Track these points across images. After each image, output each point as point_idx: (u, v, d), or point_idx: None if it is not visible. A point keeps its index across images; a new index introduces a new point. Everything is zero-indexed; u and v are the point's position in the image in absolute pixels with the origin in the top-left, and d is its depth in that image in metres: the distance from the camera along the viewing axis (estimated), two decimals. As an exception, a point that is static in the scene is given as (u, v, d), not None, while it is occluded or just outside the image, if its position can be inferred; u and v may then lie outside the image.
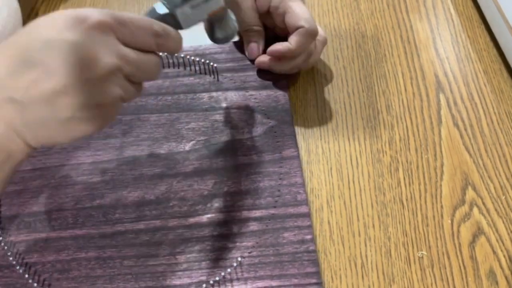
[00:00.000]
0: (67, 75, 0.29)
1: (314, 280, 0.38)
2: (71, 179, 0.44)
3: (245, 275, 0.39)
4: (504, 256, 0.40)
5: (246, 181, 0.43)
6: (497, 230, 0.41)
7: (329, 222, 0.42)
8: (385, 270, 0.40)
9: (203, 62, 0.51)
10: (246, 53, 0.51)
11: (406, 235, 0.41)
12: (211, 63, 0.50)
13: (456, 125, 0.48)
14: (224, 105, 0.48)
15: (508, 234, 0.41)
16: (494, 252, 0.40)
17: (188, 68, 0.51)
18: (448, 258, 0.40)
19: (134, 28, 0.33)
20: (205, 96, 0.49)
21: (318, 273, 0.38)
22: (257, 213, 0.42)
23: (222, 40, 0.43)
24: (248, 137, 0.46)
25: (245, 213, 0.42)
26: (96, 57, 0.30)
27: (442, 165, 0.45)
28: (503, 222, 0.42)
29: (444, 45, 0.54)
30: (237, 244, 0.40)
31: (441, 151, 0.46)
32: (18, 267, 0.40)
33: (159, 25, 0.35)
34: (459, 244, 0.41)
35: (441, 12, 0.57)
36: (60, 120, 0.30)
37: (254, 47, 0.50)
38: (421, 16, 0.57)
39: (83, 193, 0.43)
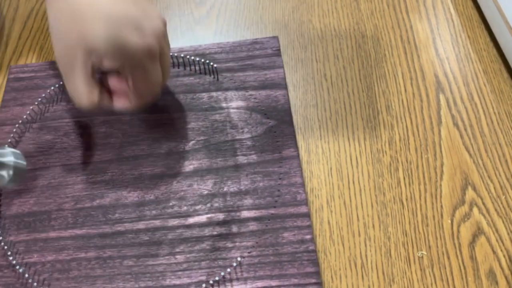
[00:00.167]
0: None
1: (314, 280, 0.38)
2: (71, 179, 0.44)
3: (245, 275, 0.39)
4: (504, 256, 0.40)
5: (246, 181, 0.43)
6: (497, 230, 0.41)
7: (329, 222, 0.42)
8: (385, 270, 0.40)
9: (203, 62, 0.51)
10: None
11: (406, 235, 0.41)
12: (211, 63, 0.50)
13: (456, 125, 0.48)
14: (224, 105, 0.48)
15: (508, 234, 0.41)
16: (494, 252, 0.40)
17: (188, 68, 0.51)
18: (448, 258, 0.40)
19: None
20: (204, 96, 0.49)
21: (318, 273, 0.38)
22: (256, 213, 0.42)
23: (7, 183, 0.40)
24: (248, 137, 0.46)
25: (245, 213, 0.42)
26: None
27: (442, 165, 0.45)
28: (503, 222, 0.42)
29: (444, 45, 0.54)
30: (237, 244, 0.40)
31: (441, 151, 0.46)
32: (18, 267, 0.40)
33: None
34: (459, 244, 0.41)
35: (441, 12, 0.57)
36: None
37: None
38: (421, 16, 0.57)
39: (83, 193, 0.43)
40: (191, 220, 0.42)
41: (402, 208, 0.43)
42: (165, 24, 0.42)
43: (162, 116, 0.48)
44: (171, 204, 0.43)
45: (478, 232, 0.41)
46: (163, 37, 0.41)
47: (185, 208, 0.42)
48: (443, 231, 0.41)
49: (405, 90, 0.50)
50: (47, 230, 0.42)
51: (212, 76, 0.50)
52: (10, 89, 0.50)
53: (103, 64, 0.38)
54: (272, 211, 0.42)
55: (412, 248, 0.41)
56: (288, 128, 0.46)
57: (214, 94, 0.49)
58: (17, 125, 0.47)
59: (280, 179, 0.43)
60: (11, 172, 0.39)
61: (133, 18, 0.38)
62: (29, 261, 0.40)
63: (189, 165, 0.45)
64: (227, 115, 0.48)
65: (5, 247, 0.41)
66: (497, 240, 0.41)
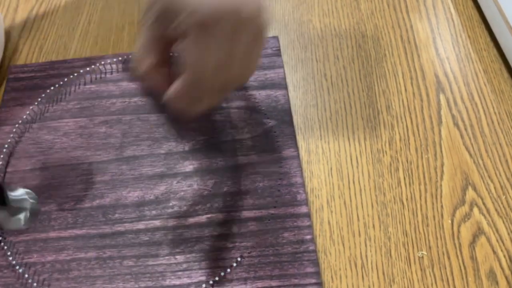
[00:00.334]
0: None
1: (314, 280, 0.38)
2: (71, 179, 0.44)
3: (245, 275, 0.39)
4: (504, 256, 0.40)
5: (245, 181, 0.43)
6: (497, 230, 0.41)
7: (329, 222, 0.42)
8: (385, 270, 0.40)
9: (203, 62, 0.51)
10: None
11: (406, 235, 0.41)
12: None
13: (456, 125, 0.48)
14: (224, 105, 0.48)
15: (508, 234, 0.41)
16: (494, 252, 0.40)
17: (188, 68, 0.51)
18: (448, 258, 0.40)
19: None
20: (205, 96, 0.49)
21: (318, 273, 0.38)
22: (256, 213, 0.42)
23: (24, 225, 0.40)
24: (248, 137, 0.46)
25: (245, 213, 0.42)
26: None
27: (442, 165, 0.45)
28: (503, 222, 0.42)
29: (444, 45, 0.54)
30: (237, 244, 0.40)
31: (441, 151, 0.46)
32: (18, 267, 0.40)
33: None
34: (459, 244, 0.41)
35: (441, 12, 0.57)
36: None
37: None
38: (421, 16, 0.57)
39: (83, 193, 0.43)
40: (191, 220, 0.42)
41: (403, 208, 0.43)
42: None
43: (162, 116, 0.48)
44: (171, 204, 0.43)
45: (478, 232, 0.41)
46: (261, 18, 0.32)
47: (185, 208, 0.42)
48: (443, 231, 0.41)
49: (405, 90, 0.50)
50: (47, 230, 0.42)
51: (212, 76, 0.50)
52: (10, 89, 0.50)
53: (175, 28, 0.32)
54: (272, 211, 0.42)
55: (412, 248, 0.40)
56: (288, 128, 0.46)
57: (214, 94, 0.49)
58: (17, 125, 0.47)
59: (280, 179, 0.43)
60: (28, 214, 0.38)
61: None
62: (29, 261, 0.40)
63: (189, 165, 0.45)
64: (227, 115, 0.48)
65: (5, 247, 0.41)
66: (497, 240, 0.41)
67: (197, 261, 0.40)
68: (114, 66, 0.51)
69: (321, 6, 0.58)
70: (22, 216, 0.38)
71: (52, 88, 0.50)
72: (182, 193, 0.43)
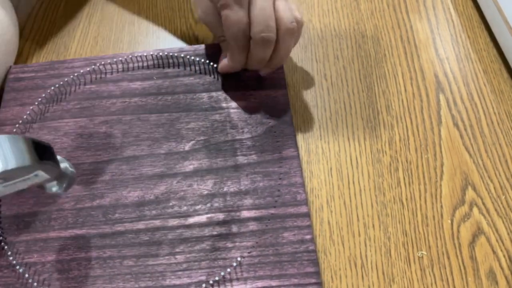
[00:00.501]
0: None
1: (314, 280, 0.38)
2: (71, 179, 0.44)
3: (245, 275, 0.39)
4: (504, 256, 0.40)
5: (245, 181, 0.43)
6: (497, 230, 0.41)
7: (329, 222, 0.42)
8: (385, 270, 0.40)
9: (203, 62, 0.51)
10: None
11: (406, 235, 0.41)
12: (211, 63, 0.50)
13: (456, 125, 0.48)
14: (224, 105, 0.48)
15: (508, 234, 0.41)
16: (494, 252, 0.40)
17: (188, 68, 0.51)
18: (448, 258, 0.40)
19: None
20: (205, 96, 0.49)
21: (318, 273, 0.38)
22: (256, 213, 0.42)
23: (64, 191, 0.39)
24: (248, 137, 0.46)
25: (245, 213, 0.42)
26: None
27: (442, 165, 0.45)
28: (503, 222, 0.42)
29: (444, 45, 0.54)
30: (237, 244, 0.40)
31: (441, 151, 0.46)
32: (18, 267, 0.40)
33: None
34: (459, 244, 0.41)
35: (441, 12, 0.57)
36: None
37: (221, 58, 0.49)
38: (421, 16, 0.57)
39: (83, 193, 0.43)
40: (191, 220, 0.42)
41: (402, 208, 0.43)
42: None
43: (162, 116, 0.48)
44: (171, 204, 0.43)
45: (478, 232, 0.41)
46: None
47: (185, 208, 0.42)
48: (443, 231, 0.41)
49: (405, 90, 0.50)
50: (47, 230, 0.42)
51: (212, 76, 0.50)
52: (10, 89, 0.50)
53: None
54: (272, 211, 0.42)
55: (412, 248, 0.41)
56: (288, 128, 0.46)
57: (214, 94, 0.49)
58: (17, 125, 0.47)
59: (280, 179, 0.43)
60: (69, 181, 0.38)
61: None
62: (29, 261, 0.40)
63: (189, 165, 0.45)
64: (227, 115, 0.48)
65: (5, 247, 0.41)
66: (497, 240, 0.41)
67: (197, 261, 0.40)
68: (114, 66, 0.51)
69: (321, 6, 0.58)
70: (64, 182, 0.38)
71: (52, 88, 0.50)
72: (182, 193, 0.43)
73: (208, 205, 0.42)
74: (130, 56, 0.51)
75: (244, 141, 0.46)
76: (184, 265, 0.39)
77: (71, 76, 0.50)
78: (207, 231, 0.41)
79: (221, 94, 0.49)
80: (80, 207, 0.43)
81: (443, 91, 0.50)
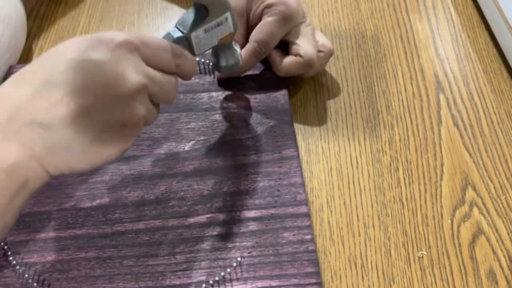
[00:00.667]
0: (93, 94, 0.29)
1: (314, 280, 0.38)
2: (71, 179, 0.44)
3: (245, 275, 0.39)
4: (504, 256, 0.40)
5: (245, 181, 0.43)
6: (497, 230, 0.41)
7: (329, 222, 0.42)
8: (385, 270, 0.40)
9: (203, 62, 0.51)
10: None
11: (406, 235, 0.41)
12: (211, 63, 0.50)
13: (456, 125, 0.48)
14: (224, 105, 0.48)
15: (508, 234, 0.41)
16: (494, 252, 0.40)
17: (188, 68, 0.51)
18: (448, 258, 0.40)
19: (156, 48, 0.33)
20: (204, 96, 0.49)
21: (318, 273, 0.38)
22: (256, 213, 0.42)
23: (227, 69, 0.44)
24: (248, 137, 0.46)
25: (245, 213, 0.42)
26: (124, 75, 0.30)
27: (442, 165, 0.45)
28: (503, 222, 0.42)
29: (444, 45, 0.54)
30: (237, 244, 0.40)
31: (441, 151, 0.46)
32: (18, 267, 0.40)
33: (177, 47, 0.35)
34: (459, 244, 0.41)
35: (441, 12, 0.57)
36: (83, 143, 0.29)
37: None
38: (421, 16, 0.57)
39: (83, 193, 0.43)
40: (191, 220, 0.42)
41: (402, 208, 0.43)
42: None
43: (162, 116, 0.48)
44: (171, 204, 0.43)
45: (478, 232, 0.41)
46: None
47: (185, 208, 0.42)
48: (443, 231, 0.41)
49: (405, 90, 0.50)
50: (47, 230, 0.42)
51: (212, 76, 0.50)
52: (10, 89, 0.50)
53: None
54: (272, 211, 0.42)
55: (412, 248, 0.41)
56: (288, 128, 0.46)
57: (214, 94, 0.49)
58: (17, 125, 0.47)
59: (280, 179, 0.43)
60: (237, 60, 0.44)
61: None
62: (29, 261, 0.40)
63: (189, 165, 0.45)
64: (227, 115, 0.48)
65: (5, 247, 0.41)
66: (497, 240, 0.41)
67: (197, 261, 0.40)
68: (114, 66, 0.51)
69: (321, 6, 0.58)
70: (232, 60, 0.43)
71: (52, 88, 0.49)
72: (182, 193, 0.43)
73: (208, 205, 0.42)
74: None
75: (244, 141, 0.46)
76: (184, 265, 0.39)
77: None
78: (207, 231, 0.41)
79: (221, 94, 0.49)
80: (80, 207, 0.43)
81: (443, 90, 0.50)
